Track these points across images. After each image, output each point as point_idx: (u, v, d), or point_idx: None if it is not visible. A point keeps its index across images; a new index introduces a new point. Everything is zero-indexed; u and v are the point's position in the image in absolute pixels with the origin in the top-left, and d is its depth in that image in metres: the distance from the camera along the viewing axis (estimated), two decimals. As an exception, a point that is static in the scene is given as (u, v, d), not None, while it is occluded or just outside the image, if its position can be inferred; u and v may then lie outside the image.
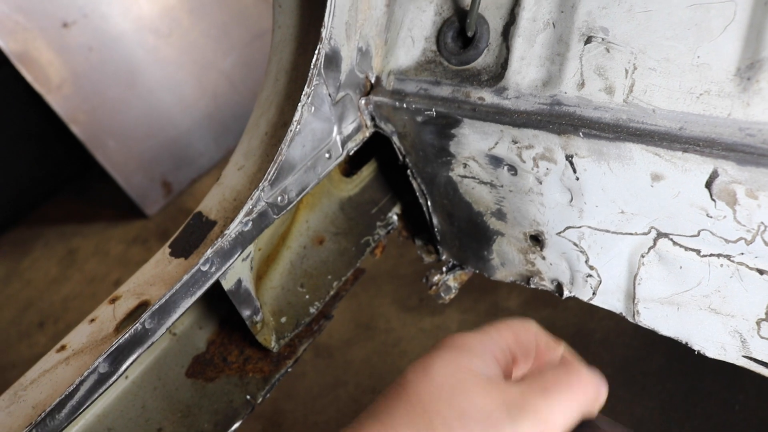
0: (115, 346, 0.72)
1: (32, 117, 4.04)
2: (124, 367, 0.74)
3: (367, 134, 0.95)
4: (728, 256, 0.70)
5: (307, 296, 1.04)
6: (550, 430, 0.53)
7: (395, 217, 1.15)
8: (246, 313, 0.92)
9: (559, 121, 0.75)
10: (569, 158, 0.76)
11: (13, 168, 4.18)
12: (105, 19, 3.52)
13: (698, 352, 0.80)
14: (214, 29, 3.99)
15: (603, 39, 0.72)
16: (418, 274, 2.65)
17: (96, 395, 0.72)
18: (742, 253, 0.69)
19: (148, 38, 3.71)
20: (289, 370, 1.01)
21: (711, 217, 0.68)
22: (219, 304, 1.01)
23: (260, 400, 0.98)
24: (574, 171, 0.76)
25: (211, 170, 4.13)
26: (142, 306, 0.80)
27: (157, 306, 0.74)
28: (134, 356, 0.74)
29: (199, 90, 4.01)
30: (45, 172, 4.42)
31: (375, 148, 1.06)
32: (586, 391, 0.57)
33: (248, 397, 0.98)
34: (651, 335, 0.85)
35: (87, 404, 0.71)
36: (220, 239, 0.79)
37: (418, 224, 1.13)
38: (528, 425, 0.52)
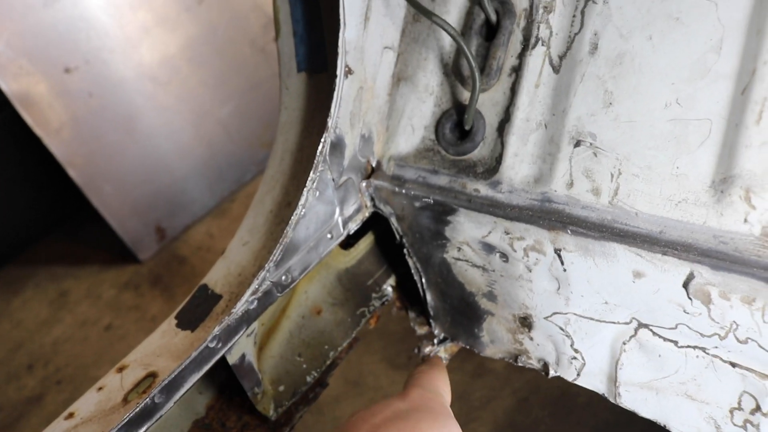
0: (126, 420, 0.75)
1: (28, 159, 4.07)
2: (132, 439, 0.78)
3: (367, 214, 1.00)
4: (703, 349, 0.75)
5: (304, 365, 1.08)
6: None
7: (390, 289, 1.19)
8: (248, 385, 0.95)
9: (549, 217, 0.81)
10: (558, 252, 0.81)
11: (5, 208, 4.19)
12: (106, 65, 3.58)
13: (676, 434, 0.84)
14: (212, 78, 4.06)
15: (591, 144, 0.78)
16: (407, 331, 2.66)
17: (103, 468, 0.75)
18: (716, 347, 0.74)
19: (147, 85, 3.77)
20: (285, 436, 1.05)
21: (688, 313, 0.74)
22: (219, 371, 1.04)
23: (256, 466, 1.01)
24: (562, 263, 0.82)
25: (204, 217, 4.16)
26: (150, 377, 0.83)
27: (167, 381, 0.78)
28: (143, 430, 0.78)
29: (196, 138, 4.06)
30: (37, 212, 4.43)
31: (372, 222, 1.11)
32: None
33: (245, 463, 1.01)
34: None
35: (94, 477, 0.75)
36: (227, 317, 0.83)
37: (412, 296, 1.17)
38: None
